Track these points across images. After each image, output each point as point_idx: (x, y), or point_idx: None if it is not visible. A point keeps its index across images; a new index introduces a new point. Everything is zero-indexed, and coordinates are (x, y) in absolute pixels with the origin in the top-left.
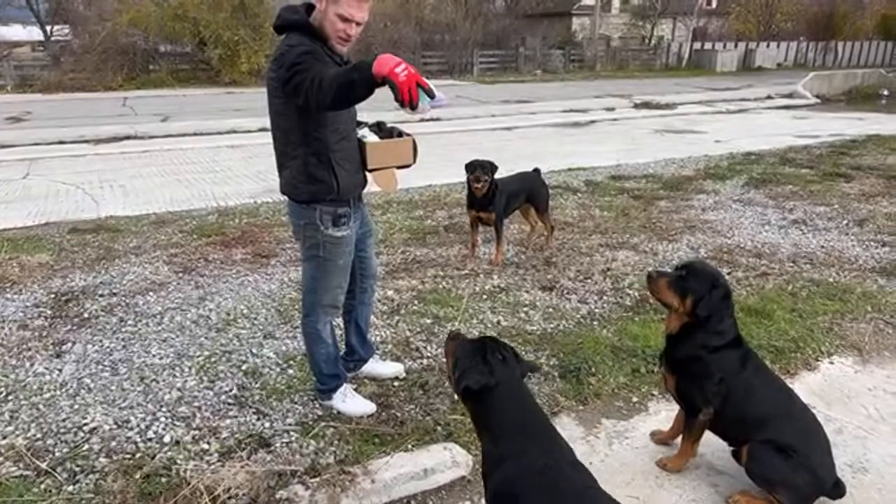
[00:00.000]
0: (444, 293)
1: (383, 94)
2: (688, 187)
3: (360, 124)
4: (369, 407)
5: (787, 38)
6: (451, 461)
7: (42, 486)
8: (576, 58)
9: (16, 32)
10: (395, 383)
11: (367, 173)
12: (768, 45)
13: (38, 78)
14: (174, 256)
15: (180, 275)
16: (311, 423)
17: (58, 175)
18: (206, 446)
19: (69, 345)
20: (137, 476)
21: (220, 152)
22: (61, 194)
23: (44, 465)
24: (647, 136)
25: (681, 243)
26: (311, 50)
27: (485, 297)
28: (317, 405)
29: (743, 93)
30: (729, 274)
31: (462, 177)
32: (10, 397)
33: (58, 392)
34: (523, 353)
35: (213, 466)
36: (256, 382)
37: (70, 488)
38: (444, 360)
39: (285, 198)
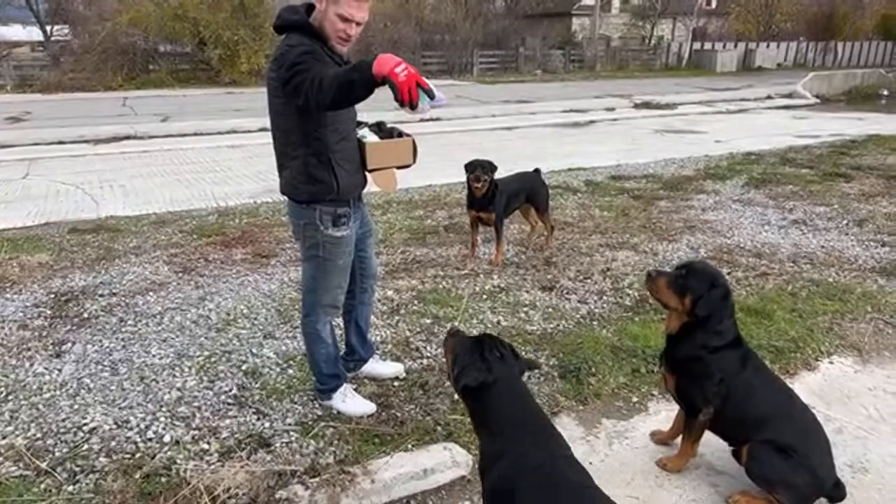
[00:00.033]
0: (444, 293)
1: (383, 93)
2: (688, 187)
3: (360, 124)
4: (369, 407)
5: (786, 39)
6: (451, 461)
7: (42, 486)
8: (576, 58)
9: (15, 32)
10: (395, 383)
11: (367, 173)
12: (768, 46)
13: (38, 78)
14: (174, 256)
15: (180, 275)
16: (310, 423)
17: (57, 175)
18: (205, 446)
19: (69, 345)
20: (137, 476)
21: (220, 152)
22: (61, 194)
23: (44, 465)
24: (647, 136)
25: (681, 243)
26: (311, 50)
27: (485, 297)
28: (317, 405)
29: (743, 93)
30: (729, 274)
31: (462, 177)
32: (9, 397)
33: (57, 392)
34: (523, 352)
35: (212, 466)
36: (256, 382)
37: (70, 488)
38: (444, 359)
39: (285, 198)
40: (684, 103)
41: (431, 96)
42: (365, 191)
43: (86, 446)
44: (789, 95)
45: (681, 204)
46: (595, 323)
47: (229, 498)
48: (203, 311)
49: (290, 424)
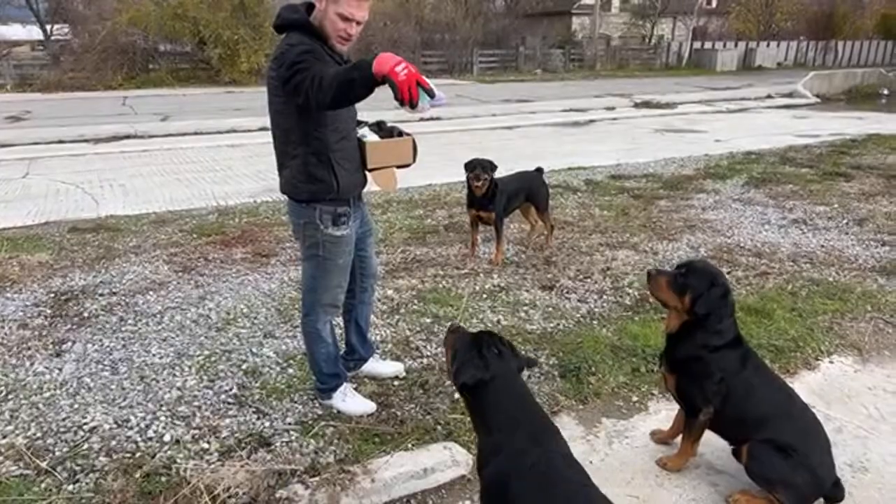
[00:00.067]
0: (444, 292)
1: (383, 93)
2: (688, 187)
3: (360, 123)
4: (369, 406)
5: (787, 38)
6: (450, 460)
7: (42, 486)
8: (576, 57)
9: (15, 32)
10: (395, 382)
11: (367, 173)
12: (768, 45)
13: (38, 77)
14: (174, 256)
15: (180, 274)
16: (310, 422)
17: (57, 174)
18: (206, 445)
19: (69, 344)
20: (137, 475)
21: (219, 151)
22: (61, 193)
23: (44, 465)
24: (647, 135)
25: (681, 243)
26: (311, 49)
27: (485, 296)
28: (317, 404)
29: (743, 92)
30: (729, 273)
31: (462, 176)
32: (10, 396)
33: (58, 391)
34: (523, 351)
35: (212, 465)
36: (256, 382)
37: (70, 487)
38: (444, 357)
39: (285, 197)
40: (684, 102)
41: (431, 95)
42: (365, 190)
43: (86, 445)
44: (789, 95)
45: (681, 203)
46: (595, 322)
47: (229, 497)
48: (203, 311)
49: (290, 424)
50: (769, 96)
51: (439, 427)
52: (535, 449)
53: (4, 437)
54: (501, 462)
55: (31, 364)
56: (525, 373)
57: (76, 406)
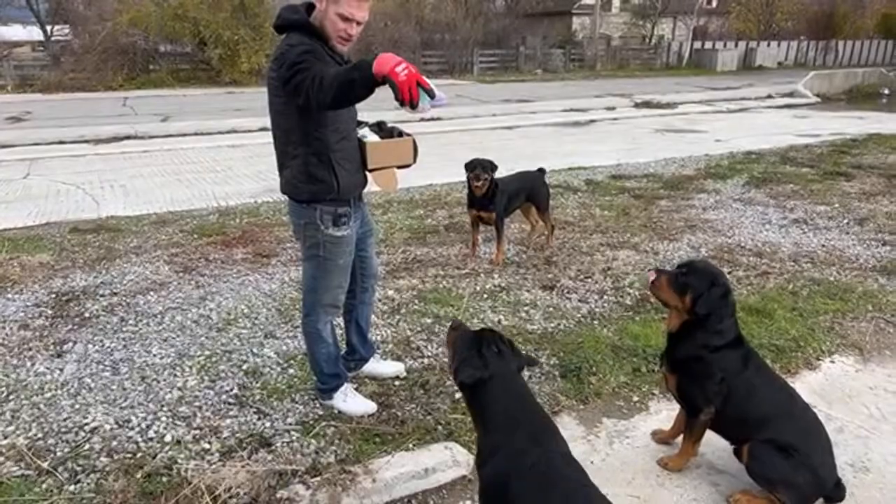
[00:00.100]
0: (445, 292)
1: (383, 93)
2: (688, 186)
3: (360, 124)
4: (370, 406)
5: (787, 38)
6: (451, 460)
7: (43, 486)
8: (576, 57)
9: (16, 32)
10: (396, 382)
11: (368, 173)
12: (769, 45)
13: (39, 78)
14: (175, 256)
15: (181, 274)
16: (311, 422)
17: (58, 175)
18: (206, 446)
19: (70, 344)
20: (138, 475)
21: (220, 152)
22: (62, 194)
23: (45, 465)
24: (648, 135)
25: (681, 243)
26: (311, 49)
27: (485, 296)
28: (317, 405)
29: (743, 92)
30: (730, 273)
31: (462, 176)
32: (11, 397)
33: (59, 392)
34: (523, 351)
35: (213, 466)
36: (257, 382)
37: (71, 488)
38: (445, 358)
39: (286, 197)
40: (685, 102)
41: (432, 96)
42: (365, 190)
43: (87, 446)
44: (790, 94)
45: (681, 203)
46: (596, 322)
47: (230, 497)
48: (204, 311)
49: (290, 424)
50: (770, 96)
51: (440, 427)
52: (534, 448)
53: (6, 437)
54: (501, 461)
55: (33, 364)
56: (525, 372)
57: (77, 406)
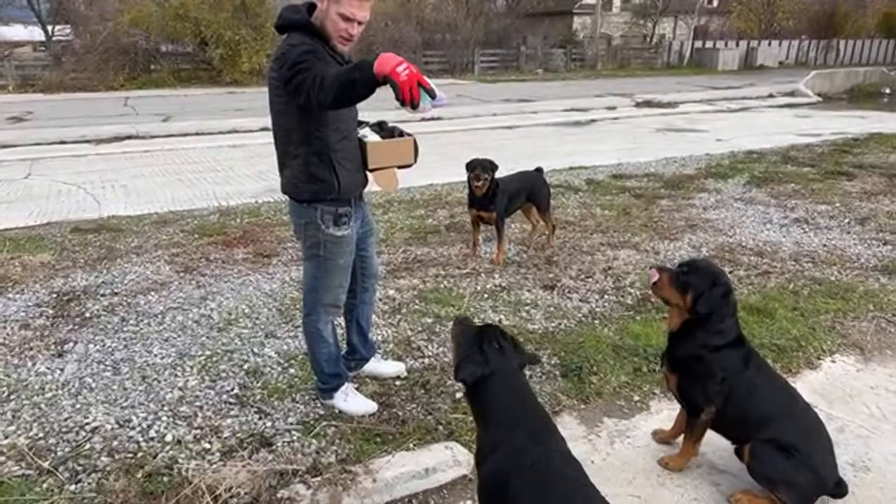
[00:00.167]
0: (446, 292)
1: (384, 93)
2: (689, 186)
3: (361, 124)
4: (371, 406)
5: (788, 37)
6: (452, 460)
7: (44, 486)
8: (577, 57)
9: (17, 32)
10: (397, 382)
11: (368, 173)
12: (770, 44)
13: (40, 78)
14: (176, 256)
15: (182, 274)
16: (312, 422)
17: (59, 175)
18: (207, 445)
19: (71, 344)
20: (139, 475)
21: (221, 152)
22: (63, 194)
23: (46, 465)
24: (649, 134)
25: (682, 242)
26: (312, 49)
27: (486, 296)
28: (318, 404)
29: (744, 91)
30: (731, 273)
31: (463, 176)
32: (12, 397)
33: (60, 391)
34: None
35: (214, 465)
36: (258, 382)
37: (72, 487)
38: (445, 355)
39: (286, 197)
40: (686, 102)
41: (433, 96)
42: (366, 190)
43: (88, 446)
44: (791, 94)
45: (682, 203)
46: (596, 322)
47: (231, 497)
48: (204, 311)
49: (291, 424)
50: (771, 95)
51: (441, 427)
52: (534, 447)
53: (7, 437)
54: (501, 460)
55: (33, 364)
56: (526, 371)
57: (78, 406)
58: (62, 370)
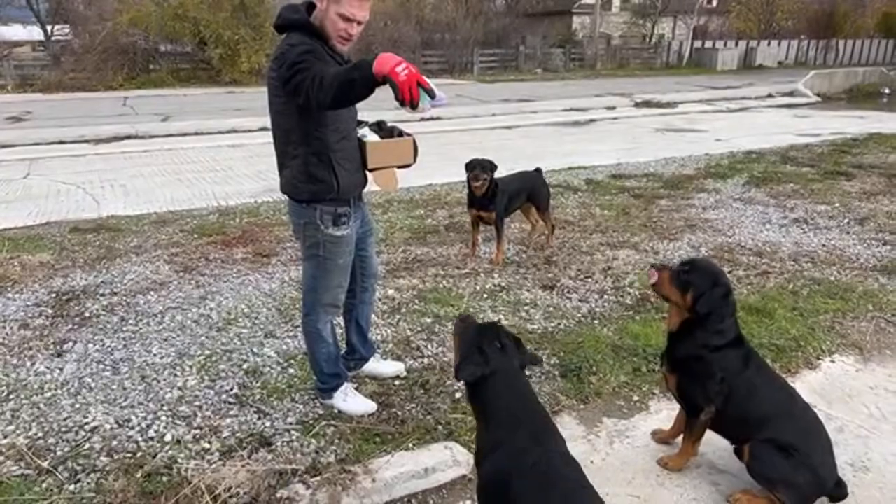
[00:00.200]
0: (445, 292)
1: (383, 93)
2: (688, 186)
3: (360, 123)
4: (370, 406)
5: (787, 37)
6: (451, 460)
7: (43, 485)
8: (576, 56)
9: (16, 32)
10: (396, 382)
11: (368, 173)
12: (769, 44)
13: (39, 77)
14: (175, 256)
15: (181, 274)
16: (311, 422)
17: (58, 175)
18: (207, 445)
19: (70, 344)
20: (139, 475)
21: (220, 152)
22: (62, 194)
23: (45, 464)
24: (648, 134)
25: (681, 242)
26: (311, 49)
27: (485, 296)
28: (317, 404)
29: (744, 91)
30: (730, 272)
31: (462, 176)
32: (11, 396)
33: (59, 391)
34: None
35: (214, 465)
36: (257, 381)
37: (71, 487)
38: (445, 355)
39: (286, 197)
40: (685, 102)
41: (432, 95)
42: (365, 190)
43: (87, 445)
44: (790, 94)
45: (681, 203)
46: (596, 322)
47: (230, 497)
48: (204, 311)
49: (291, 423)
50: (770, 95)
51: (440, 427)
52: (535, 448)
53: (6, 436)
54: (502, 460)
55: (33, 364)
56: (526, 371)
57: (77, 406)
58: (61, 370)
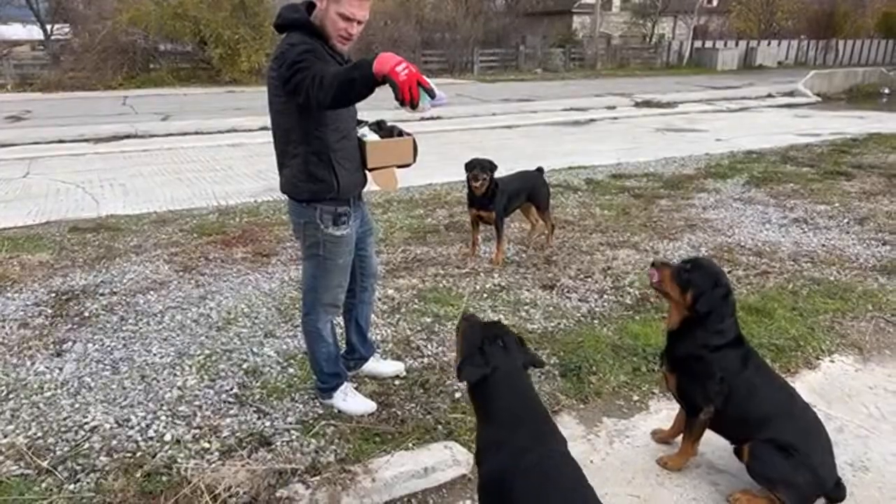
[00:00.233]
0: (445, 292)
1: (383, 92)
2: (688, 186)
3: (360, 123)
4: (370, 406)
5: (788, 37)
6: (451, 459)
7: (43, 485)
8: (576, 56)
9: (16, 31)
10: (396, 382)
11: (367, 172)
12: (769, 44)
13: (38, 77)
14: (175, 255)
15: (181, 273)
16: (311, 421)
17: (58, 174)
18: (206, 445)
19: (70, 343)
20: (138, 475)
21: (220, 151)
22: (61, 193)
23: (45, 464)
24: (648, 134)
25: (681, 242)
26: (311, 48)
27: (485, 295)
28: (317, 404)
29: (744, 91)
30: (730, 272)
31: (462, 175)
32: (10, 396)
33: (58, 391)
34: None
35: (213, 465)
36: (257, 381)
37: (71, 487)
38: (445, 355)
39: (285, 196)
40: (685, 102)
41: (432, 95)
42: (365, 189)
43: (87, 445)
44: (790, 94)
45: (681, 202)
46: (596, 321)
47: (230, 496)
48: (204, 310)
49: (290, 423)
50: (770, 95)
51: (440, 426)
52: (537, 447)
53: (5, 436)
54: (503, 459)
55: (32, 363)
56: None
57: (77, 405)
58: (61, 369)
